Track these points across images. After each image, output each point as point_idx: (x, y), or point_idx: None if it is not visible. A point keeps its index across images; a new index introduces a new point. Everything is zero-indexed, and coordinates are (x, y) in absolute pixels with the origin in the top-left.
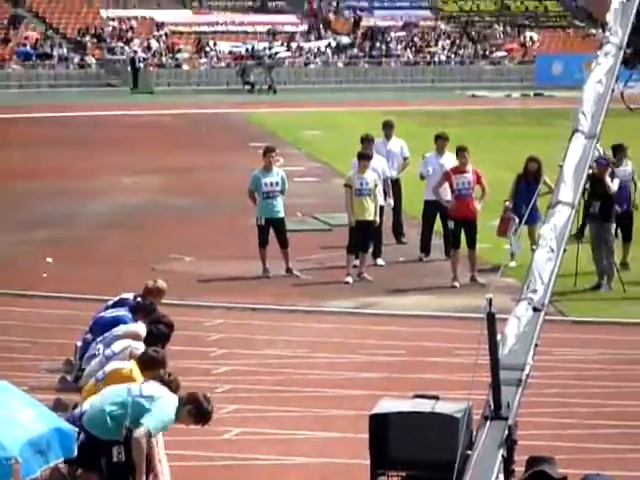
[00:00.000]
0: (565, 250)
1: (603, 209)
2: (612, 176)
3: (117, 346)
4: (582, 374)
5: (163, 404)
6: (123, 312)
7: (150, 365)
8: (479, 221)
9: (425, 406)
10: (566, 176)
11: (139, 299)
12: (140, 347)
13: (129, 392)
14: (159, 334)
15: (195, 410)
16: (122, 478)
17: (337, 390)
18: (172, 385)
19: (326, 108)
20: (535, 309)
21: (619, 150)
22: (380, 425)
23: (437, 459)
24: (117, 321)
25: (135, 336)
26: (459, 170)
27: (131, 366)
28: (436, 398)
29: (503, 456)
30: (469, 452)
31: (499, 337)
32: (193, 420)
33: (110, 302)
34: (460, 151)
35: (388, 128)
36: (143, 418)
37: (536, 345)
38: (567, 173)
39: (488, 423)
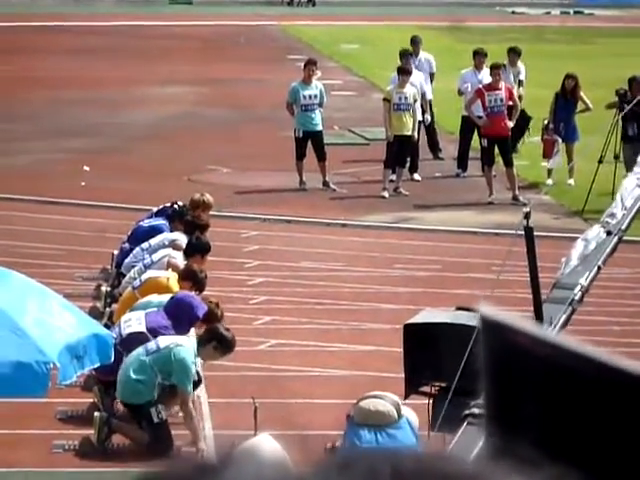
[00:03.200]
0: None
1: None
2: None
3: (156, 255)
4: (615, 292)
5: (182, 354)
6: (161, 221)
7: (189, 278)
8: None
9: (459, 318)
10: None
11: (175, 206)
12: (178, 257)
13: (146, 351)
14: (199, 244)
15: (219, 344)
16: (166, 435)
17: (372, 304)
18: (217, 312)
19: (365, 22)
20: (609, 232)
21: None
22: (418, 335)
23: (469, 372)
24: (155, 230)
25: (175, 245)
26: (492, 87)
27: (168, 275)
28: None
29: None
30: None
31: (564, 258)
32: (220, 354)
33: (152, 211)
34: (494, 68)
35: (415, 44)
36: (172, 378)
37: (599, 268)
38: None
39: None
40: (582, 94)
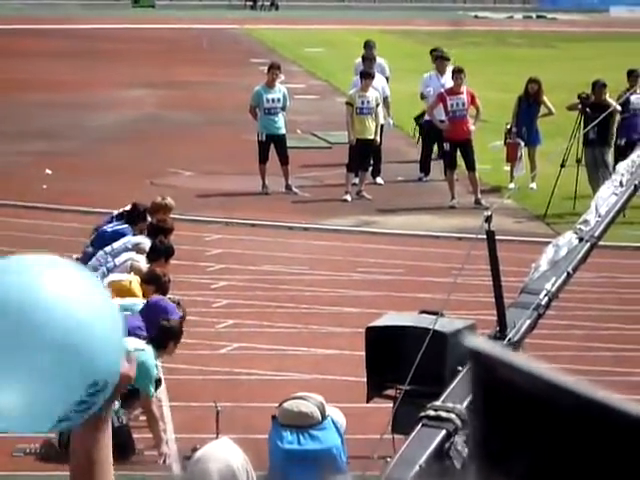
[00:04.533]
0: (637, 187)
1: (601, 133)
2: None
3: (119, 259)
4: (579, 297)
5: (143, 357)
6: (124, 225)
7: (152, 282)
8: (479, 142)
9: (422, 321)
10: None
11: (137, 209)
12: (141, 260)
13: None
14: (163, 248)
15: (177, 340)
16: (126, 440)
17: (334, 307)
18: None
19: (328, 26)
20: (581, 239)
21: (633, 76)
22: (380, 338)
23: (430, 374)
24: (119, 234)
25: (138, 249)
26: (454, 91)
27: (131, 279)
28: (440, 315)
29: None
30: (460, 368)
31: (533, 264)
32: (175, 345)
33: (112, 214)
34: (456, 72)
35: (368, 48)
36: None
37: (568, 274)
38: None
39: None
40: (545, 98)
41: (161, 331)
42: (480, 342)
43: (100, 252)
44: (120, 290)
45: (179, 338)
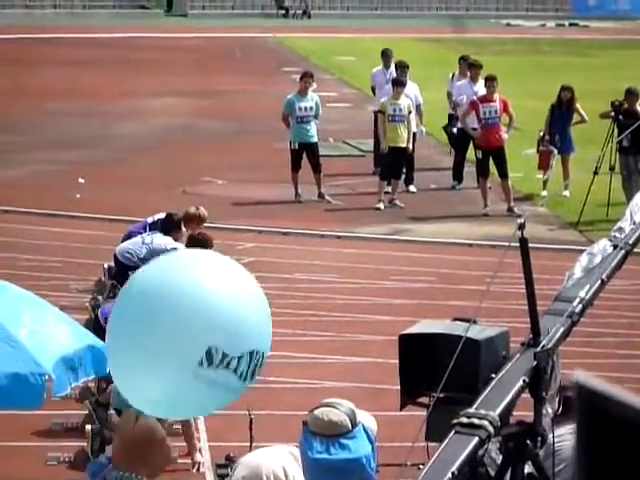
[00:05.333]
0: None
1: (635, 141)
2: None
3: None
4: (612, 304)
5: None
6: (158, 234)
7: None
8: (512, 150)
9: (455, 329)
10: None
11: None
12: None
13: None
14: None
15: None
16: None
17: (367, 315)
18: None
19: (360, 35)
20: (616, 246)
21: None
22: (414, 345)
23: (463, 381)
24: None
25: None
26: (486, 99)
27: None
28: (473, 322)
29: (525, 381)
30: (493, 375)
31: (567, 271)
32: None
33: (146, 222)
34: (489, 80)
35: (387, 57)
36: None
37: (602, 281)
38: None
39: (521, 349)
40: (578, 106)
41: None
42: (589, 379)
43: (136, 239)
44: None
45: None
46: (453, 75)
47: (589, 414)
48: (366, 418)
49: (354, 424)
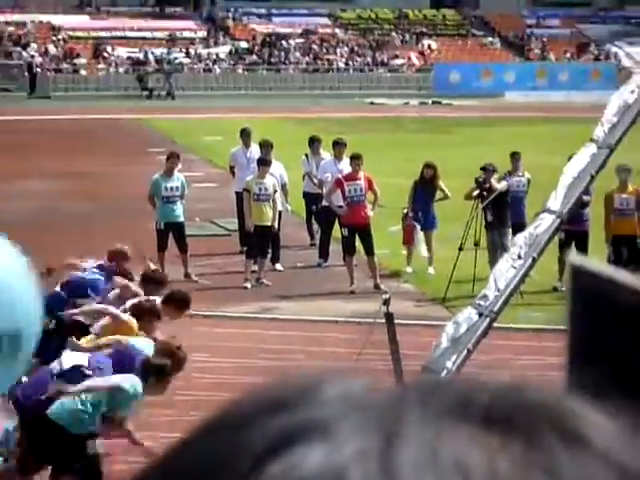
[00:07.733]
0: (535, 259)
1: (499, 215)
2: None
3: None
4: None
5: (135, 384)
6: (98, 276)
7: (145, 315)
8: (378, 227)
9: None
10: (560, 185)
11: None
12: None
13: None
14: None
15: (175, 366)
16: (98, 469)
17: (234, 394)
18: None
19: (225, 115)
20: (481, 314)
21: (514, 158)
22: None
23: None
24: (87, 282)
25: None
26: (351, 177)
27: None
28: None
29: None
30: None
31: (434, 342)
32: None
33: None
34: (354, 159)
35: (246, 136)
36: (121, 406)
37: (469, 351)
38: (562, 182)
39: None
40: (441, 183)
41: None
42: (582, 259)
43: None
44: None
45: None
46: (307, 155)
47: (578, 288)
48: None
49: None
